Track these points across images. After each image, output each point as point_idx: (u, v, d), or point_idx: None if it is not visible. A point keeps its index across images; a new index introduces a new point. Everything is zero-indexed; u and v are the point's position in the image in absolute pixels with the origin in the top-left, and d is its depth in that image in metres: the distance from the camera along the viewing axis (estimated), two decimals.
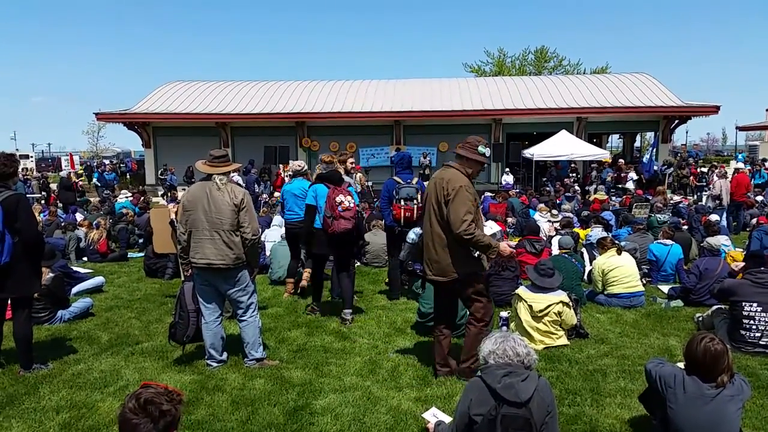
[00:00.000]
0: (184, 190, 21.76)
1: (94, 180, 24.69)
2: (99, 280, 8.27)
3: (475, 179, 4.82)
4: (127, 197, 16.73)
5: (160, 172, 24.29)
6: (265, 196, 19.58)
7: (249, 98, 25.95)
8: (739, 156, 30.49)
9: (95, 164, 33.63)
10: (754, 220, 12.69)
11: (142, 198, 16.53)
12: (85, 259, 10.67)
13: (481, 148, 4.71)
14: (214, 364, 5.09)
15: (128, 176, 29.24)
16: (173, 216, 7.20)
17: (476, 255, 4.63)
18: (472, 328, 4.75)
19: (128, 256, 11.10)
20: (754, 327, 5.33)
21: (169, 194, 21.83)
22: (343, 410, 4.26)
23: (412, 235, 5.01)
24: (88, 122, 53.78)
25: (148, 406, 2.27)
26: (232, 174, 5.62)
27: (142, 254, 10.84)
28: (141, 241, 12.14)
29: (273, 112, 24.57)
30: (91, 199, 18.48)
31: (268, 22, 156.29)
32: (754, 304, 5.29)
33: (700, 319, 6.23)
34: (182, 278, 6.50)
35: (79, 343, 5.86)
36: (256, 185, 22.20)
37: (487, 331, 4.59)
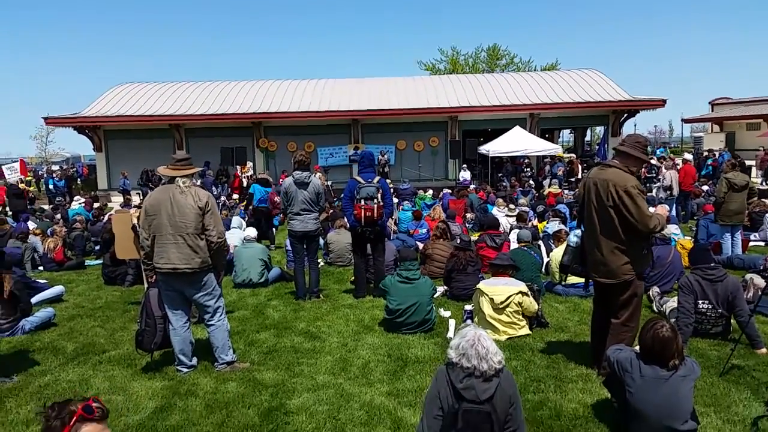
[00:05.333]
0: (138, 194, 21.39)
1: (50, 186, 23.87)
2: (59, 289, 8.09)
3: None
4: (80, 203, 16.31)
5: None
6: (223, 198, 19.35)
7: (203, 99, 25.55)
8: (657, 151, 31.28)
9: (44, 170, 32.53)
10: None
11: (96, 204, 16.14)
12: (41, 268, 10.39)
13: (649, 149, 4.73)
14: (185, 370, 5.09)
15: (79, 182, 28.43)
16: (135, 221, 7.13)
17: (644, 253, 4.63)
18: (616, 325, 4.67)
19: (85, 263, 10.86)
20: (705, 320, 5.60)
21: (123, 199, 21.34)
22: (318, 408, 4.34)
23: (574, 238, 4.96)
24: (37, 127, 51.69)
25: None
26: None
27: (99, 262, 10.64)
28: (97, 248, 11.89)
29: (228, 113, 24.26)
30: (44, 207, 17.93)
31: (221, 21, 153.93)
32: (706, 302, 5.55)
33: (661, 306, 6.53)
34: (145, 285, 6.45)
35: (43, 354, 5.76)
36: (213, 187, 21.94)
37: (629, 332, 4.62)
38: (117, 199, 22.09)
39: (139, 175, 21.47)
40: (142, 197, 20.39)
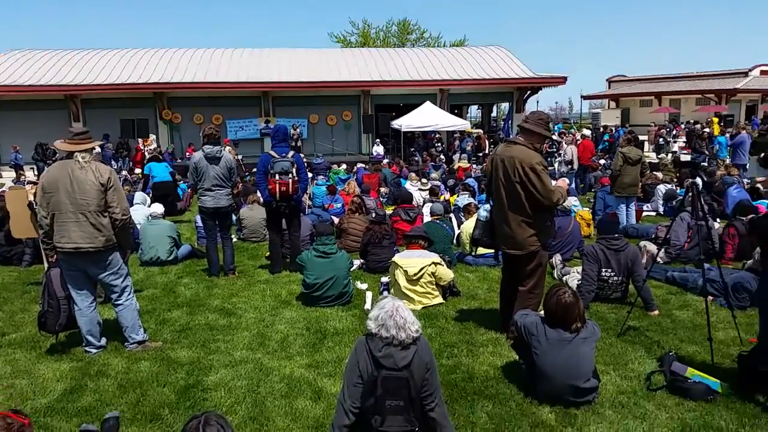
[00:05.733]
0: (32, 169, 19.95)
1: None
2: None
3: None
4: None
5: None
6: (124, 173, 18.44)
7: (101, 68, 23.96)
8: (556, 127, 32.87)
9: None
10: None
11: None
12: None
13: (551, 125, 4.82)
14: (93, 351, 4.90)
15: None
16: (31, 198, 6.68)
17: (548, 225, 4.86)
18: (523, 292, 4.93)
19: None
20: (606, 287, 6.03)
21: (16, 174, 19.86)
22: (236, 383, 4.33)
23: (483, 212, 5.05)
24: None
25: None
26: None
27: None
28: None
29: (128, 83, 22.90)
30: None
31: None
32: (609, 270, 5.96)
33: (563, 276, 6.94)
34: (45, 265, 6.10)
35: None
36: (112, 161, 20.84)
37: (535, 298, 4.89)
38: (9, 175, 20.50)
39: (33, 149, 19.96)
40: (37, 172, 19.06)
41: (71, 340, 5.11)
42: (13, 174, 20.28)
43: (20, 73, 23.12)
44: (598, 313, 5.79)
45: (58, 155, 18.07)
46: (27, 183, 12.15)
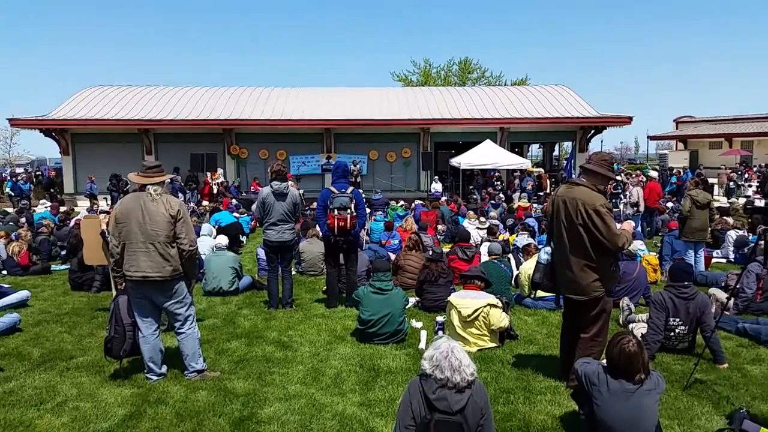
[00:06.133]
0: (105, 198, 21.01)
1: (7, 189, 23.28)
2: (24, 294, 7.90)
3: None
4: (46, 207, 15.96)
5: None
6: (192, 204, 19.15)
7: (174, 104, 25.29)
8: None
9: (8, 173, 31.70)
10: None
11: (63, 208, 15.82)
12: (4, 273, 10.13)
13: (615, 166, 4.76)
14: (154, 378, 5.04)
15: (44, 185, 27.79)
16: (104, 227, 7.03)
17: (612, 270, 4.71)
18: (585, 339, 4.76)
19: (51, 268, 10.62)
20: (673, 336, 5.75)
21: (90, 203, 20.96)
22: (289, 418, 4.35)
23: (545, 255, 5.00)
24: (0, 128, 50.85)
25: None
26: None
27: (65, 267, 10.44)
28: (63, 253, 11.65)
29: (199, 119, 24.04)
30: (8, 210, 17.47)
31: (191, 25, 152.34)
32: (677, 319, 5.69)
33: (627, 323, 6.67)
34: (113, 291, 6.37)
35: (8, 359, 5.63)
36: (180, 193, 21.70)
37: (597, 346, 4.71)
38: (84, 204, 21.68)
39: (108, 180, 21.10)
40: (110, 202, 20.05)
41: (134, 366, 5.27)
42: (87, 203, 21.41)
43: (98, 108, 24.64)
44: (663, 363, 5.53)
45: (130, 186, 19.00)
46: (100, 212, 12.77)
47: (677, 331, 5.71)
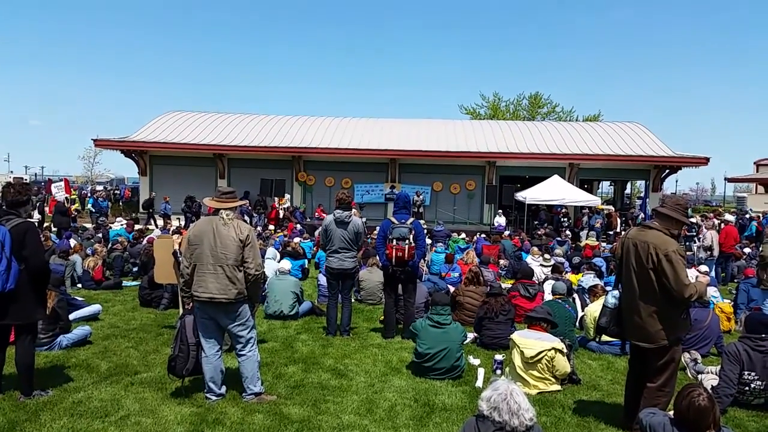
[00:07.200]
0: (179, 219, 21.89)
1: (88, 206, 24.65)
2: (96, 308, 8.29)
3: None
4: (122, 225, 16.76)
5: (143, 202, 24.27)
6: (259, 228, 19.65)
7: (247, 131, 26.25)
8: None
9: (89, 190, 33.59)
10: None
11: (137, 226, 16.56)
12: (79, 286, 10.66)
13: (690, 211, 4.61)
14: (213, 398, 5.13)
15: (120, 203, 29.29)
16: (176, 247, 7.31)
17: (683, 318, 4.54)
18: (652, 389, 4.55)
19: (122, 284, 11.10)
20: (748, 391, 5.41)
21: (163, 222, 21.87)
22: None
23: (612, 299, 4.92)
24: (85, 147, 54.70)
25: None
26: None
27: (136, 283, 10.87)
28: (135, 269, 12.16)
29: (271, 146, 24.84)
30: (87, 225, 18.46)
31: (267, 56, 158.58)
32: (753, 373, 5.36)
33: (697, 374, 6.31)
34: (180, 310, 6.58)
35: (78, 370, 5.89)
36: (246, 216, 22.30)
37: (665, 396, 4.52)
38: (158, 223, 22.68)
39: (183, 201, 22.04)
40: (183, 222, 20.87)
41: (194, 385, 5.40)
42: (161, 222, 22.36)
43: (176, 132, 25.86)
44: (735, 419, 5.18)
45: (203, 208, 19.74)
46: (172, 232, 13.29)
47: (753, 386, 5.36)
